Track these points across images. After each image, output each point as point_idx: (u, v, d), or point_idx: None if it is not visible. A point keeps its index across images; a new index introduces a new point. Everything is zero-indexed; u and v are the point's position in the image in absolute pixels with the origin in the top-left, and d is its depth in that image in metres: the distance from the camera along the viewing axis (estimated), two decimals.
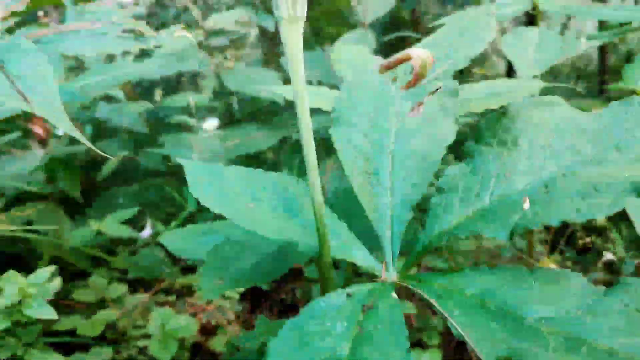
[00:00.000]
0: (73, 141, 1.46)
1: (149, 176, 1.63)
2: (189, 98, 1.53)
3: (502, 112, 0.64)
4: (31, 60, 0.75)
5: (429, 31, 1.06)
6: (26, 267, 1.31)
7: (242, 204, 0.64)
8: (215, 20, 1.67)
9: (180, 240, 0.92)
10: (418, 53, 0.80)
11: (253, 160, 1.78)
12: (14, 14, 0.95)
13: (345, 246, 0.63)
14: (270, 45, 2.26)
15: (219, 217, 0.62)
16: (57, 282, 0.87)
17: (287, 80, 1.93)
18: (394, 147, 0.68)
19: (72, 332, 1.11)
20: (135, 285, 1.43)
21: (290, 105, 1.88)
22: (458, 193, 0.62)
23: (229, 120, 1.86)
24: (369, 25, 1.67)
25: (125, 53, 1.62)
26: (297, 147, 1.72)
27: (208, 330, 1.22)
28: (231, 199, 0.64)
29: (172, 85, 1.72)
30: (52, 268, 0.88)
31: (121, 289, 1.28)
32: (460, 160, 0.64)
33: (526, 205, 0.54)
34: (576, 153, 0.59)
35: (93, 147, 0.67)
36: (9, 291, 0.79)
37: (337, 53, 1.08)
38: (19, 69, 0.74)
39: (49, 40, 0.87)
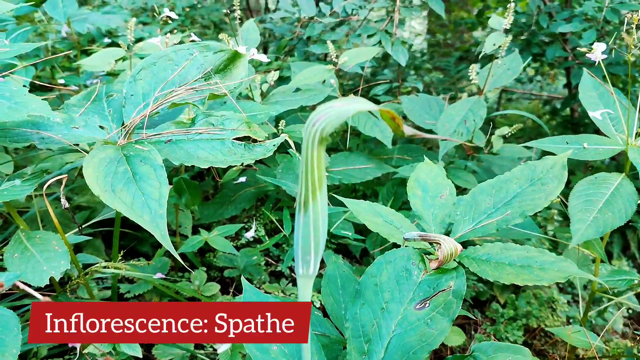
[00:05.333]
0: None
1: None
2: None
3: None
4: (154, 181, 1.01)
5: None
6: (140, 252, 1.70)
7: None
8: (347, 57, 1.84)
9: None
10: (448, 243, 0.96)
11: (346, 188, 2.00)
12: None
13: None
14: None
15: None
16: None
17: None
18: (394, 334, 0.86)
19: None
20: (228, 284, 1.75)
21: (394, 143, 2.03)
22: None
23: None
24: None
25: None
26: (397, 181, 1.89)
27: None
28: None
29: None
30: None
31: (214, 288, 1.60)
32: None
33: None
34: None
35: (179, 259, 0.93)
36: None
37: (417, 171, 1.20)
38: (146, 186, 1.01)
39: (180, 139, 1.13)
